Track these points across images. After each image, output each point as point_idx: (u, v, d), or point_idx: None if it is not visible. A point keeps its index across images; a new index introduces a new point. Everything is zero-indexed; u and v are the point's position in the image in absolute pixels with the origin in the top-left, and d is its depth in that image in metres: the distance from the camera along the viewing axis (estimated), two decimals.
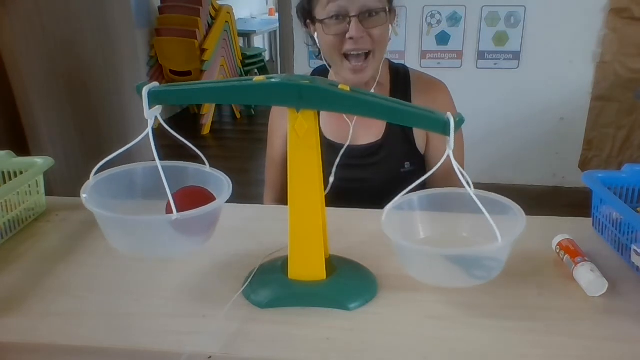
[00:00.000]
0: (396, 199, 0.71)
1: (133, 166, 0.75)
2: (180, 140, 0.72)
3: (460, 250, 0.69)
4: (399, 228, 0.69)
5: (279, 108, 1.25)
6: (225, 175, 0.74)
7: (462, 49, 2.94)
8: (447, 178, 0.77)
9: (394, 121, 0.66)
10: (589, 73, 2.88)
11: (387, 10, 1.05)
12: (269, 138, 1.28)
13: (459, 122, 0.61)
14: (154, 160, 0.66)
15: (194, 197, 0.70)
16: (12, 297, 0.74)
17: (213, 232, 0.73)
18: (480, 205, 0.62)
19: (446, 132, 0.62)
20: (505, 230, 0.62)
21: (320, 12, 1.05)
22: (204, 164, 0.76)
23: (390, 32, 1.08)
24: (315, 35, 1.10)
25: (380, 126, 1.16)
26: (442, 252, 0.66)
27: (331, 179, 1.06)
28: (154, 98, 0.66)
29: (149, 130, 0.66)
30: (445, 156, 0.63)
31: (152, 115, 0.67)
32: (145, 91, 0.65)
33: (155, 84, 0.67)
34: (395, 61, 1.22)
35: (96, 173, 0.70)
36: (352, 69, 1.06)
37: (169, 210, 0.64)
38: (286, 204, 0.71)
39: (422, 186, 0.73)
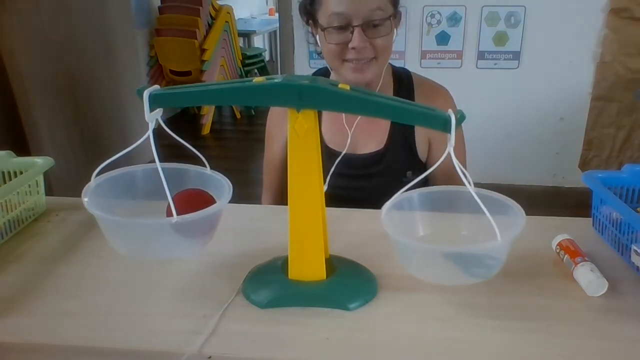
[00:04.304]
0: (395, 195, 0.71)
1: (133, 168, 0.76)
2: (181, 142, 0.72)
3: (458, 247, 0.68)
4: (398, 225, 0.69)
5: (277, 112, 1.24)
6: (225, 177, 0.74)
7: (462, 49, 2.94)
8: (449, 179, 0.77)
9: (394, 119, 0.66)
10: (589, 73, 2.88)
11: (392, 17, 1.03)
12: (267, 142, 1.28)
13: (460, 118, 0.61)
14: (154, 160, 0.66)
15: (194, 200, 0.70)
16: (12, 297, 0.74)
17: (214, 234, 0.73)
18: (480, 203, 0.62)
19: (447, 129, 0.62)
20: (504, 229, 0.62)
21: (322, 19, 1.03)
22: (204, 165, 0.76)
23: (394, 37, 1.07)
24: (317, 36, 1.09)
25: (382, 135, 1.16)
26: (441, 249, 0.66)
27: (325, 186, 1.05)
28: (154, 101, 0.66)
29: (150, 133, 0.66)
30: (445, 153, 0.63)
31: (153, 118, 0.66)
32: (146, 94, 0.65)
33: (156, 87, 0.66)
34: (397, 65, 1.22)
35: (97, 175, 0.70)
36: (353, 68, 1.04)
37: (169, 213, 0.64)
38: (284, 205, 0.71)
39: (423, 186, 0.73)
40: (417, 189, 0.74)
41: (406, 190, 0.71)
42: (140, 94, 0.65)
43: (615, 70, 2.84)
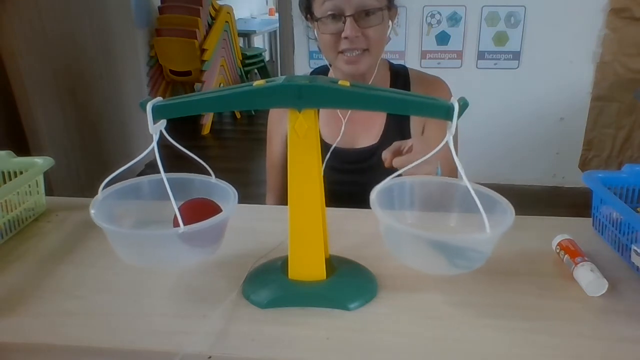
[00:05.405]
0: (387, 179, 0.71)
1: (139, 179, 0.76)
2: (186, 153, 0.72)
3: (445, 235, 0.67)
4: (387, 210, 0.69)
5: (277, 111, 1.25)
6: (230, 185, 0.74)
7: (462, 49, 2.94)
8: (444, 166, 0.76)
9: (397, 112, 0.66)
10: (589, 73, 2.89)
11: (386, 9, 1.05)
12: (268, 141, 1.28)
13: (463, 106, 0.61)
14: (156, 164, 0.66)
15: (200, 209, 0.70)
16: (12, 297, 0.74)
17: (221, 243, 0.73)
18: (474, 194, 0.62)
19: (450, 117, 0.61)
20: (492, 224, 0.62)
21: (317, 10, 1.05)
22: (208, 172, 0.76)
23: (389, 30, 1.08)
24: (315, 30, 1.10)
25: (378, 128, 1.17)
26: (428, 235, 0.65)
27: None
28: (158, 113, 0.65)
29: (154, 145, 0.66)
30: (443, 142, 0.63)
31: (157, 129, 0.66)
32: (149, 107, 0.64)
33: (159, 98, 0.66)
34: (396, 62, 1.23)
35: (103, 188, 0.71)
36: (347, 60, 1.06)
37: (176, 224, 0.65)
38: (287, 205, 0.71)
39: None
40: (410, 176, 0.74)
41: (397, 176, 0.71)
42: (143, 107, 0.65)
43: (615, 70, 2.84)
